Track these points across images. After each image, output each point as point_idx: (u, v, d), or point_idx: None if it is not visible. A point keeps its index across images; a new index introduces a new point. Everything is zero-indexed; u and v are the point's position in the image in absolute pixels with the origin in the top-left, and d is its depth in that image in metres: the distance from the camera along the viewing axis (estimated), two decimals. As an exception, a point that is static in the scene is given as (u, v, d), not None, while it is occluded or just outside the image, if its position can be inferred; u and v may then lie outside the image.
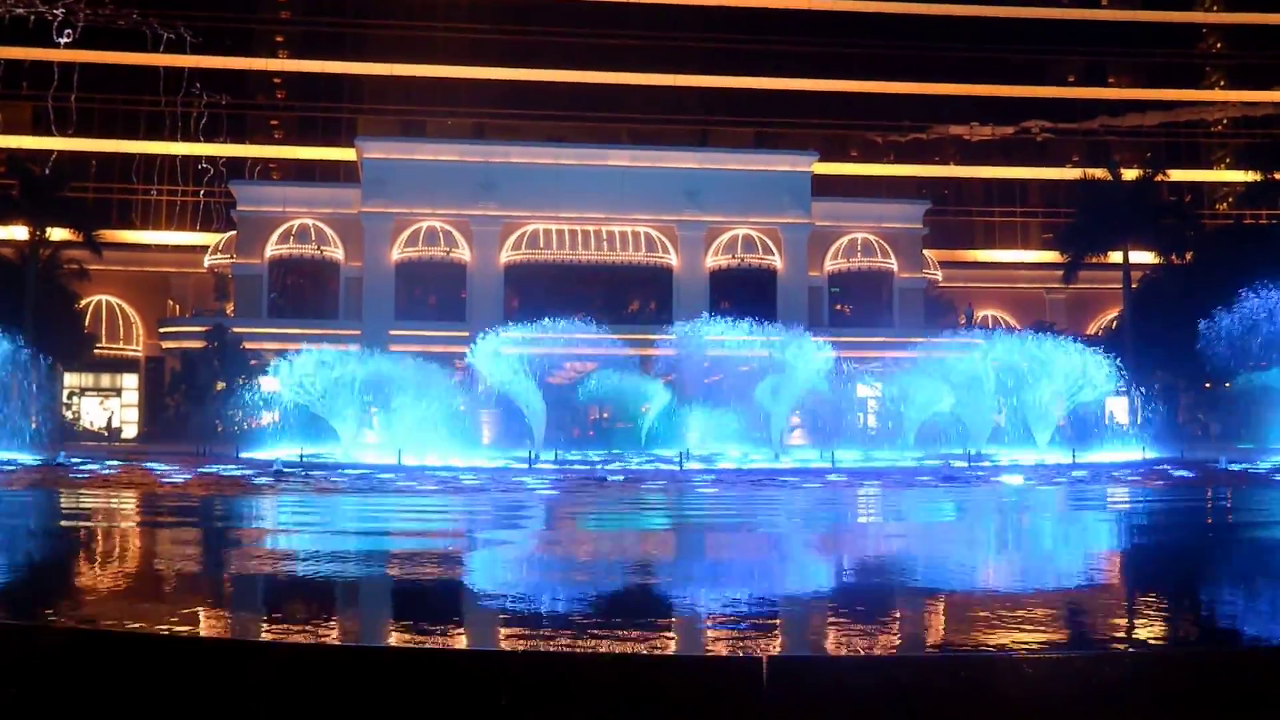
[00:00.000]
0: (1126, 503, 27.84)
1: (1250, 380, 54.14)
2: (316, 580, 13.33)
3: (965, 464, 41.46)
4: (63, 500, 25.88)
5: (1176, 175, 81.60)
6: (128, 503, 25.52)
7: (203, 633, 9.36)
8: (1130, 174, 74.11)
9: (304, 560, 15.52)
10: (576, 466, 41.07)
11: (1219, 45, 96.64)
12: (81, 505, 24.85)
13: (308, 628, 9.69)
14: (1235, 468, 38.13)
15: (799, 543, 18.81)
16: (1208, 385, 69.24)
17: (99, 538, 18.09)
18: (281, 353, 61.62)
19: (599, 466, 40.99)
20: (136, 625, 9.50)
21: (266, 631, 9.48)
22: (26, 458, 45.03)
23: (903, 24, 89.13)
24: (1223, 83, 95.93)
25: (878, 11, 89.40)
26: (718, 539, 19.45)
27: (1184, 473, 36.93)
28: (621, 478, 35.40)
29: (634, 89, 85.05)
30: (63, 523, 20.93)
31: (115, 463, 41.73)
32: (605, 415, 61.37)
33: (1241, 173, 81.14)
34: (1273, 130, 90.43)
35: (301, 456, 46.43)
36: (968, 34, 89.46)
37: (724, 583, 13.21)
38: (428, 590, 12.49)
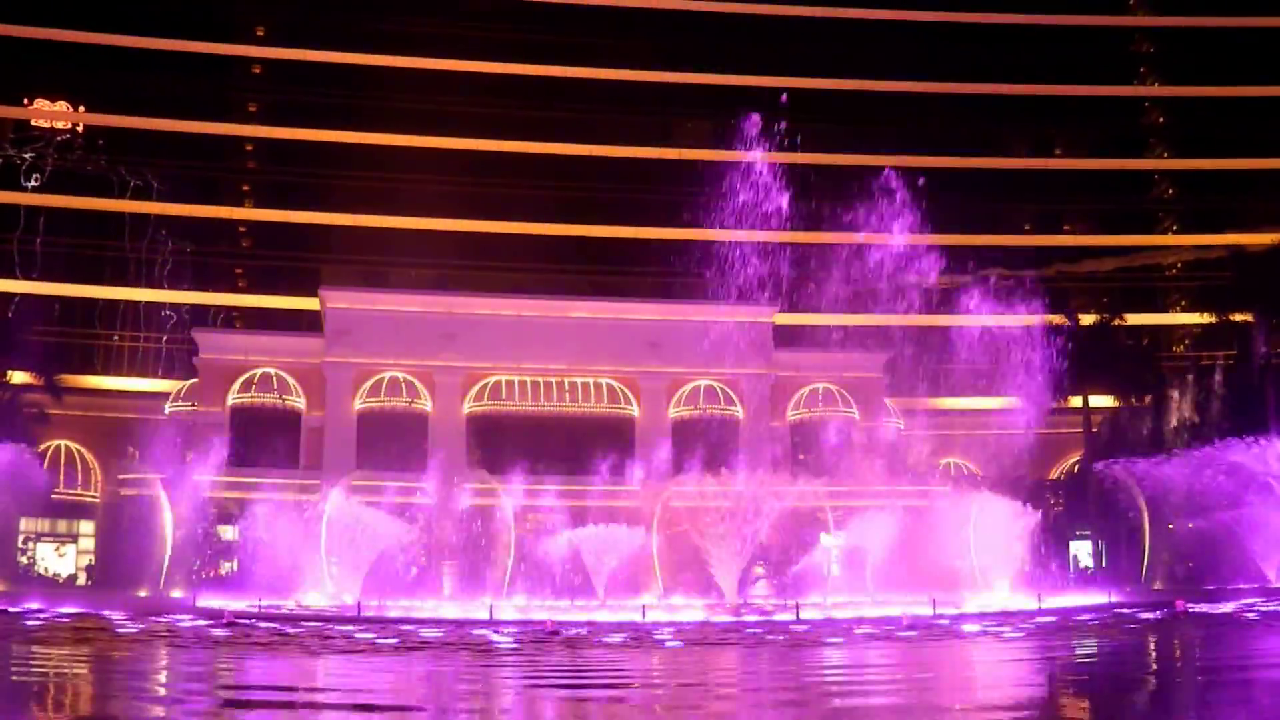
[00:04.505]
0: (1093, 655, 27.70)
1: (1212, 522, 54.42)
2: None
3: (930, 612, 41.17)
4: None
5: (1134, 319, 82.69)
6: (78, 658, 25.08)
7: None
8: (1088, 319, 75.10)
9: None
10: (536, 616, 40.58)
11: (1171, 191, 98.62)
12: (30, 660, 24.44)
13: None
14: (1200, 609, 38.17)
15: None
16: (1170, 526, 69.27)
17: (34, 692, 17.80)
18: (242, 502, 61.08)
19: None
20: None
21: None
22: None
23: (861, 175, 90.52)
24: (1175, 227, 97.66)
25: (833, 164, 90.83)
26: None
27: (1148, 616, 36.92)
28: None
29: (595, 241, 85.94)
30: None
31: (70, 610, 41.47)
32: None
33: (1196, 315, 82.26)
34: (1225, 273, 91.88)
35: (260, 606, 45.83)
36: (925, 185, 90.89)
37: None
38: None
